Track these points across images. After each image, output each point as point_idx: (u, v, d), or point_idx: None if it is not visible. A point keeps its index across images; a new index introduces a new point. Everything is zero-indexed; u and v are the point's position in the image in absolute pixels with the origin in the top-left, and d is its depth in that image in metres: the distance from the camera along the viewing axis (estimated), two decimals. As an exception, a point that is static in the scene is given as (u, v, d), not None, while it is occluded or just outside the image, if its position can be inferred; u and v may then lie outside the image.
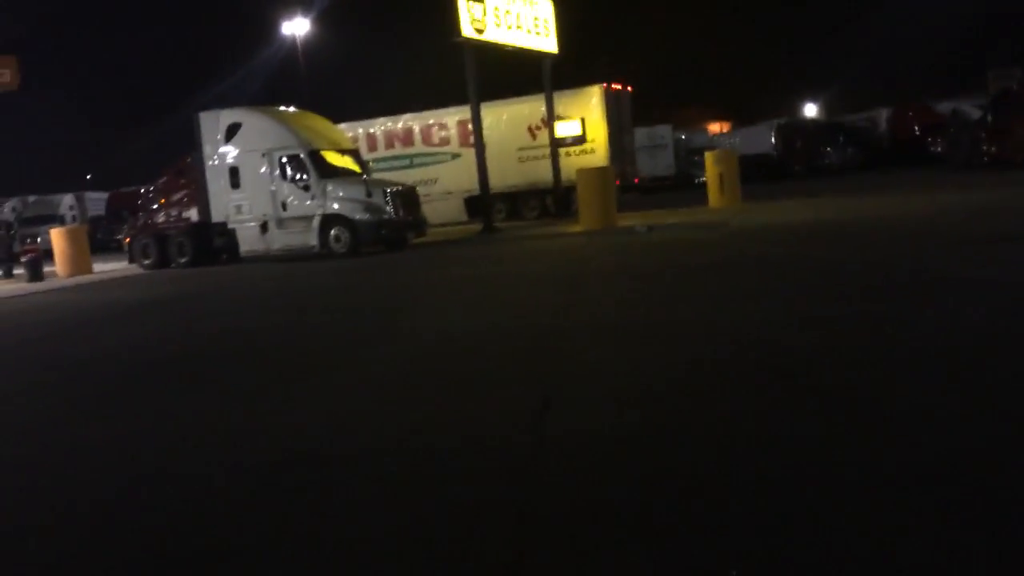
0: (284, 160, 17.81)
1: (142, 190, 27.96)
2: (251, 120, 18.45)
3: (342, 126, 25.99)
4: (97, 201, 48.99)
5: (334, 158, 18.23)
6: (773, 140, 41.10)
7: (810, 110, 61.80)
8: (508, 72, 27.35)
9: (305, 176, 17.63)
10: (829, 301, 6.63)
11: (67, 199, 46.14)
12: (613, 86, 24.46)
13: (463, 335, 6.90)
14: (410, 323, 7.86)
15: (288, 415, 4.85)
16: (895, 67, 61.02)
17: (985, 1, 54.04)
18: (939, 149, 33.56)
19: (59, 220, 46.03)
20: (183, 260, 19.28)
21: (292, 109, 19.54)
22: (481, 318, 7.73)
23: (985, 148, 25.85)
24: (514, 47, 21.35)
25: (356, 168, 18.72)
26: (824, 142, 39.52)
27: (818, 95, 63.17)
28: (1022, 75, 43.02)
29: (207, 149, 18.76)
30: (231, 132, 18.48)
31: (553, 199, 23.89)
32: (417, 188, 25.13)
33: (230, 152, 18.50)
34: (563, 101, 23.60)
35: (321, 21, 42.26)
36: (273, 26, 41.46)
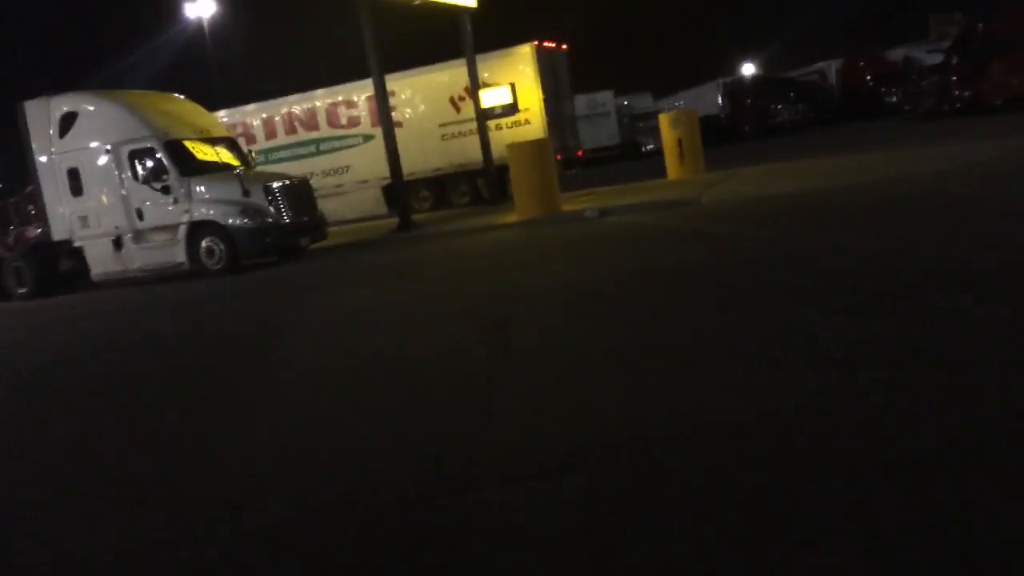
0: (135, 155, 13.98)
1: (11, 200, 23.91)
2: (89, 107, 14.49)
3: (224, 113, 22.16)
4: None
5: (201, 150, 14.42)
6: (721, 100, 38.31)
7: (748, 69, 59.25)
8: (423, 37, 23.78)
9: (163, 174, 13.83)
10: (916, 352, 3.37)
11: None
12: (546, 44, 20.99)
13: (283, 485, 3.49)
14: (198, 445, 4.37)
15: None
16: (831, 20, 58.90)
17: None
18: (895, 99, 31.38)
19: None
20: (22, 291, 15.36)
21: (143, 92, 15.59)
22: (338, 421, 4.30)
23: (957, 93, 23.46)
24: (422, 1, 17.69)
25: (233, 161, 14.94)
26: (774, 100, 36.81)
27: (755, 54, 60.68)
28: (964, 19, 41.02)
29: (37, 147, 14.76)
30: (66, 124, 14.52)
31: (485, 181, 20.44)
32: (328, 177, 21.77)
33: (66, 149, 14.56)
34: (489, 65, 20.06)
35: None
36: (170, 8, 37.09)
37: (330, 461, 3.63)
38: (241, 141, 21.86)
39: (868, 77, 35.73)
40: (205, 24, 37.35)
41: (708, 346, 4.36)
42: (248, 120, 22.53)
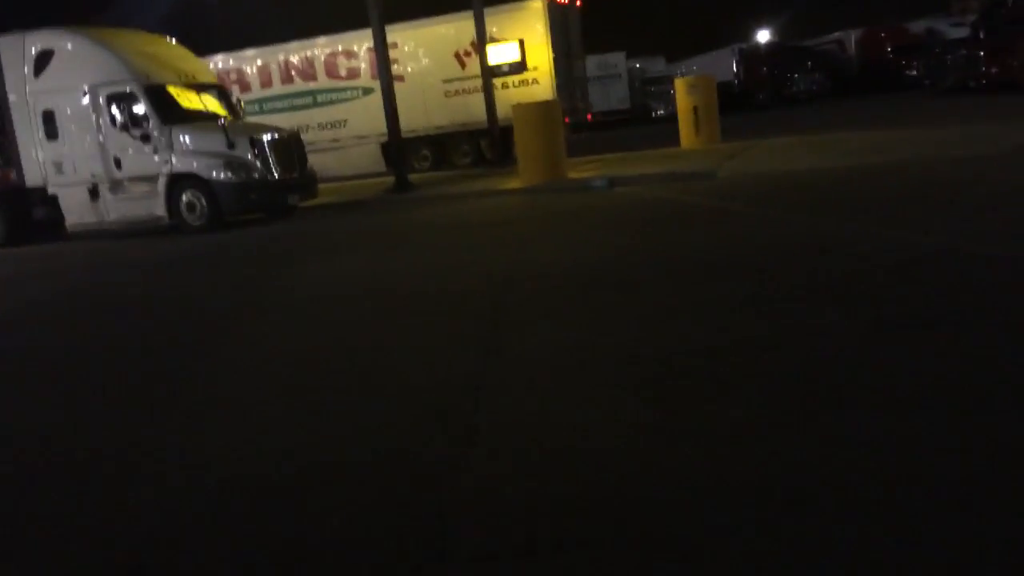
0: (113, 99, 13.04)
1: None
2: (67, 45, 13.49)
3: (219, 58, 21.11)
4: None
5: (186, 96, 13.47)
6: (735, 67, 37.07)
7: (764, 36, 57.55)
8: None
9: (144, 121, 12.91)
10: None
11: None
12: (559, 0, 19.88)
13: None
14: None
15: None
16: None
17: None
18: (916, 72, 30.40)
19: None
20: (-8, 238, 14.55)
21: (125, 31, 14.54)
22: (274, 447, 3.52)
23: (984, 69, 22.52)
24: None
25: (220, 110, 13.99)
26: (791, 68, 35.66)
27: (772, 20, 58.85)
28: (984, -7, 39.79)
29: (10, 86, 13.78)
30: (41, 62, 13.53)
31: (489, 142, 19.50)
32: (324, 131, 20.77)
33: (41, 90, 13.59)
34: (497, 19, 18.98)
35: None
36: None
37: (259, 508, 2.84)
38: (235, 89, 20.92)
39: (888, 48, 34.61)
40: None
41: (741, 364, 3.55)
42: (243, 67, 21.47)
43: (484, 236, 8.76)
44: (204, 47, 20.85)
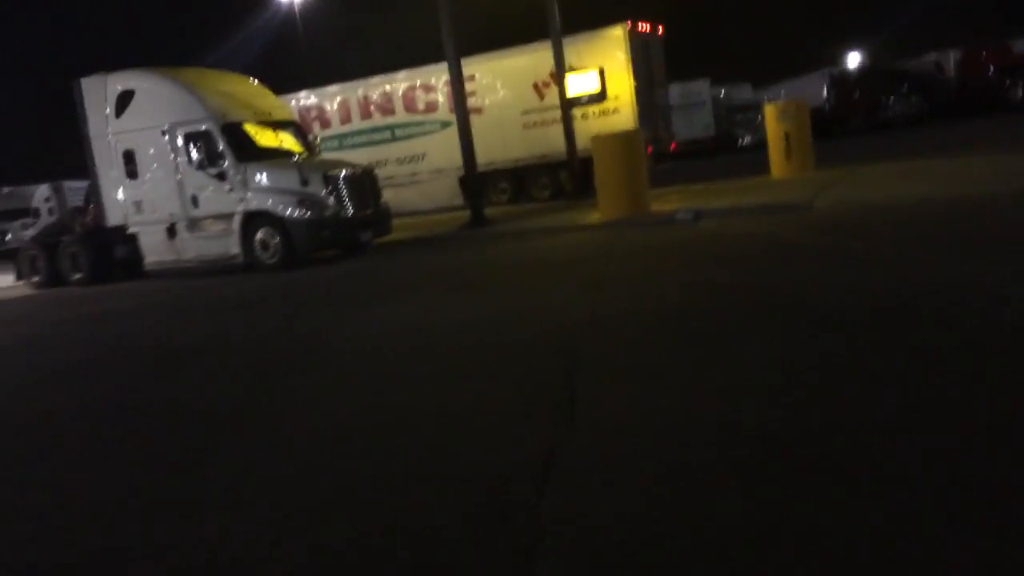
0: (190, 138, 13.02)
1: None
2: (146, 86, 13.58)
3: (302, 94, 21.32)
4: (79, 191, 44.10)
5: (261, 134, 13.36)
6: (826, 92, 35.67)
7: (854, 59, 55.61)
8: (506, 17, 22.42)
9: (220, 159, 12.84)
10: None
11: (42, 190, 41.36)
12: (639, 27, 19.27)
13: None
14: None
15: None
16: (946, 7, 54.92)
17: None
18: (1022, 93, 28.75)
19: (33, 214, 41.42)
20: (77, 276, 14.69)
21: (202, 70, 14.59)
22: (302, 537, 2.99)
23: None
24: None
25: (295, 147, 13.85)
26: (885, 92, 34.12)
27: (863, 42, 56.89)
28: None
29: (94, 126, 13.98)
30: (123, 103, 13.66)
31: (568, 174, 18.93)
32: (403, 165, 20.67)
33: (122, 130, 13.72)
34: (576, 48, 18.47)
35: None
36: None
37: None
38: (316, 125, 21.05)
39: (990, 68, 32.80)
40: (295, 4, 36.92)
41: (869, 452, 2.82)
42: (324, 103, 21.58)
43: (561, 277, 8.15)
44: (288, 85, 21.16)
